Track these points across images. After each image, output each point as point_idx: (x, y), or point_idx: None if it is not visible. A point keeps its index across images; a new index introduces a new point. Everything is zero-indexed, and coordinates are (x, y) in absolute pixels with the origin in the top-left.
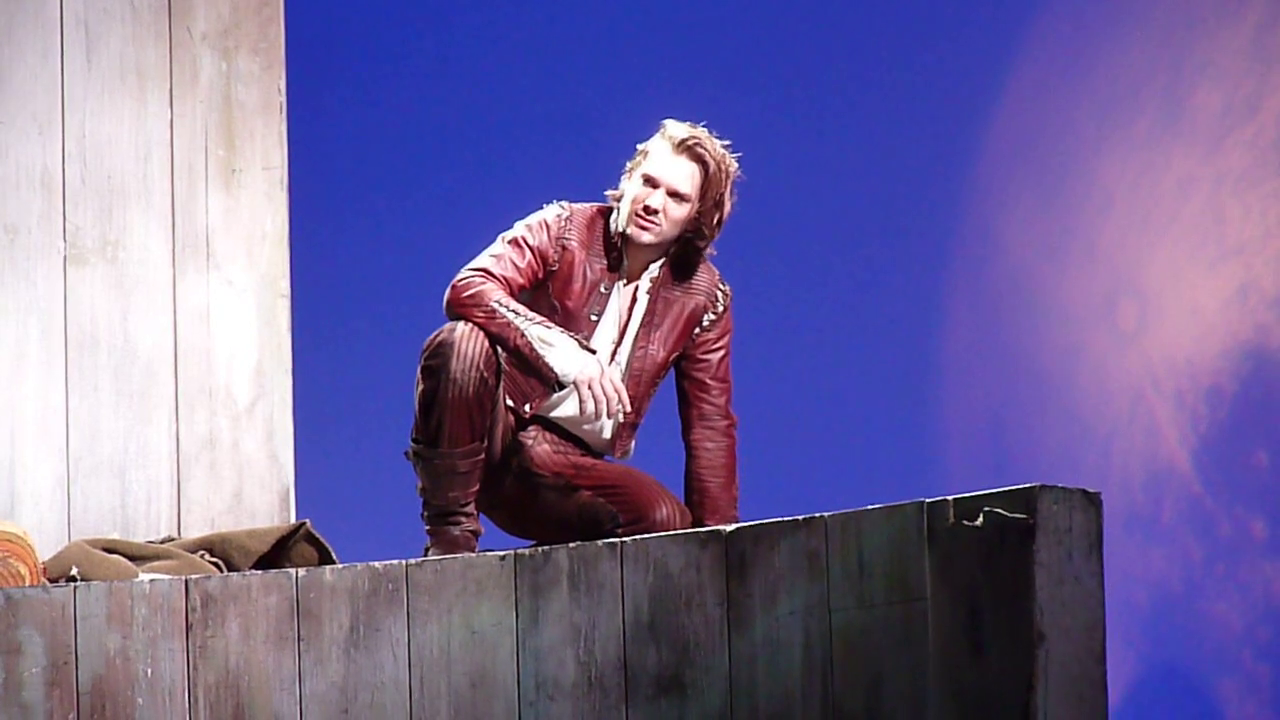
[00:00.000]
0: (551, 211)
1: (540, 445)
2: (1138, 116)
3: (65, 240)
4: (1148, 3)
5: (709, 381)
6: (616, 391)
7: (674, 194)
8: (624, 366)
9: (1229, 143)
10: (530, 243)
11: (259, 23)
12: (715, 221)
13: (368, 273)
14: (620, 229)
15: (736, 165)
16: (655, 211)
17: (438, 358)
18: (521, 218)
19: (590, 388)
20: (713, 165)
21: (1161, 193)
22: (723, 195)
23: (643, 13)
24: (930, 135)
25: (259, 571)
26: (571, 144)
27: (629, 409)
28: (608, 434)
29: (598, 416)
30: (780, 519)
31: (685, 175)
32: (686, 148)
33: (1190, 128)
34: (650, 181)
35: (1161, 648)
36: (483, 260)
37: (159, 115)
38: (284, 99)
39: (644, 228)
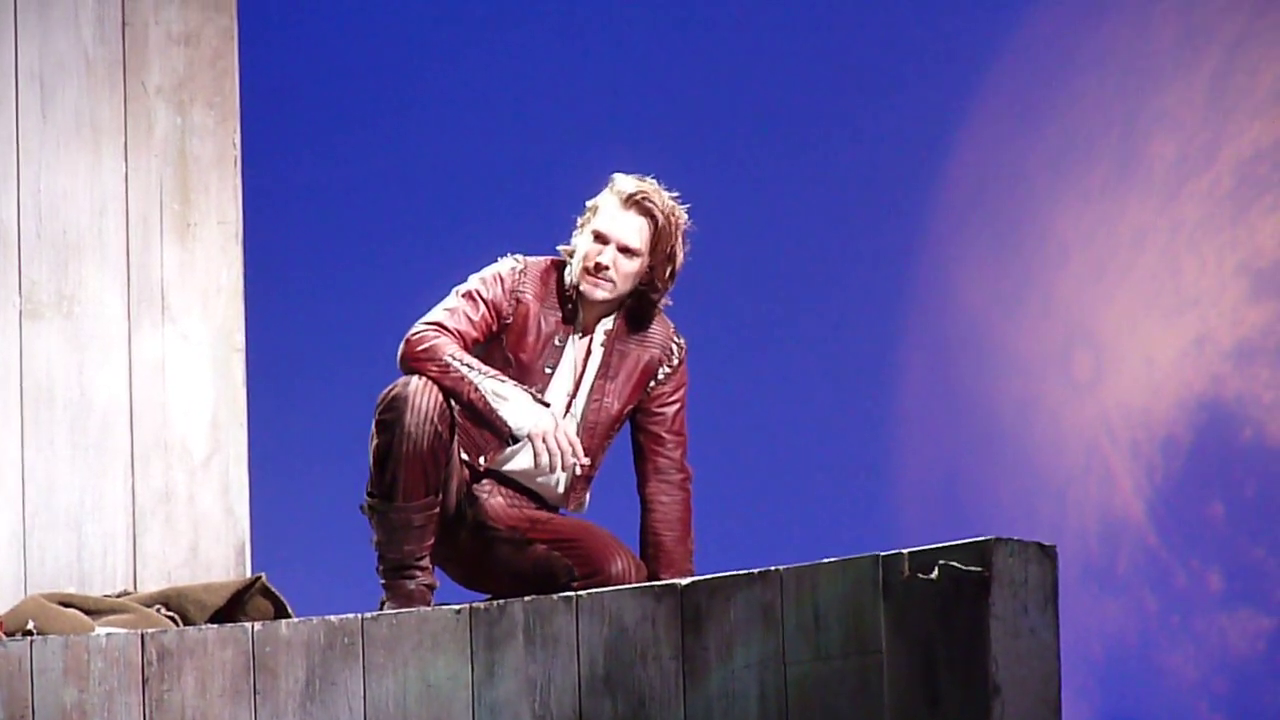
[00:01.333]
0: (506, 265)
1: (495, 498)
2: (1093, 167)
3: (21, 294)
4: (1102, 52)
5: (664, 435)
6: (571, 445)
7: (624, 249)
8: (579, 419)
9: (1184, 193)
10: (484, 296)
11: (213, 76)
12: (668, 274)
13: (322, 326)
14: (574, 283)
15: (686, 216)
16: (606, 268)
17: (392, 412)
18: (476, 271)
19: (545, 441)
20: (661, 219)
21: (1117, 243)
22: (674, 247)
23: (595, 67)
24: (884, 187)
25: (215, 625)
26: (526, 198)
27: (584, 462)
28: (562, 487)
29: (552, 470)
30: (735, 572)
31: (634, 230)
32: (635, 202)
33: (1146, 178)
34: (600, 238)
35: (1117, 699)
36: (437, 314)
37: (114, 169)
38: (239, 152)
39: (596, 284)
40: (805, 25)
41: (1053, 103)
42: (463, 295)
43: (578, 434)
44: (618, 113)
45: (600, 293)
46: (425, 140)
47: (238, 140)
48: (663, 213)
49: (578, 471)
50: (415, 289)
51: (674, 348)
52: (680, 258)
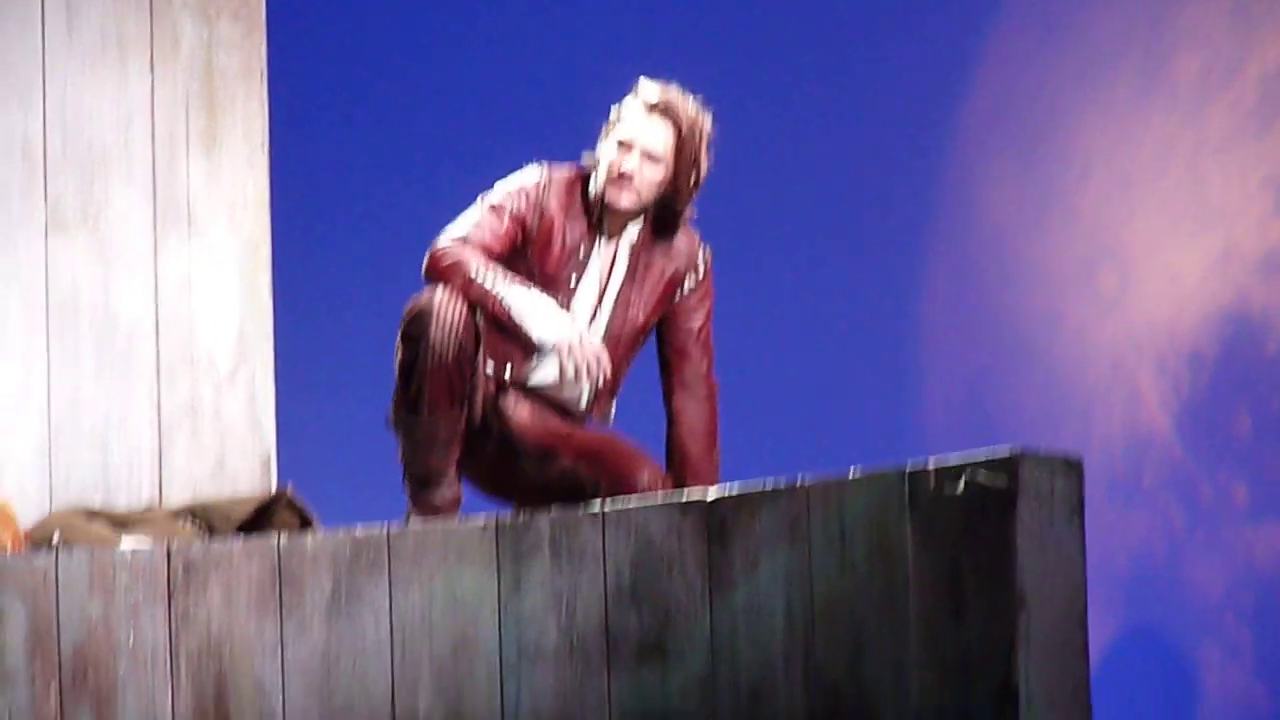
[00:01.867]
0: (530, 174)
1: (520, 411)
2: (1117, 80)
3: (47, 209)
4: None
5: (690, 348)
6: (596, 355)
7: (648, 156)
8: (604, 329)
9: (1209, 107)
10: (509, 207)
11: None
12: (692, 181)
13: (349, 239)
14: (599, 191)
15: (711, 123)
16: (630, 176)
17: (417, 325)
18: (502, 180)
19: (571, 352)
20: (686, 126)
21: (1141, 158)
22: (698, 155)
23: None
24: (909, 101)
25: (241, 538)
26: (552, 106)
27: (609, 372)
28: (586, 399)
29: (577, 380)
30: (762, 485)
31: (659, 137)
32: (659, 109)
33: (1170, 92)
34: (624, 145)
35: (1143, 613)
36: (461, 226)
37: (140, 83)
38: (265, 65)
39: (621, 191)
40: None
41: (1077, 16)
42: (488, 207)
43: (602, 344)
44: (646, 21)
45: (624, 201)
46: (454, 50)
47: (264, 52)
48: (687, 120)
49: (602, 382)
50: (442, 200)
51: (700, 259)
52: (704, 166)
